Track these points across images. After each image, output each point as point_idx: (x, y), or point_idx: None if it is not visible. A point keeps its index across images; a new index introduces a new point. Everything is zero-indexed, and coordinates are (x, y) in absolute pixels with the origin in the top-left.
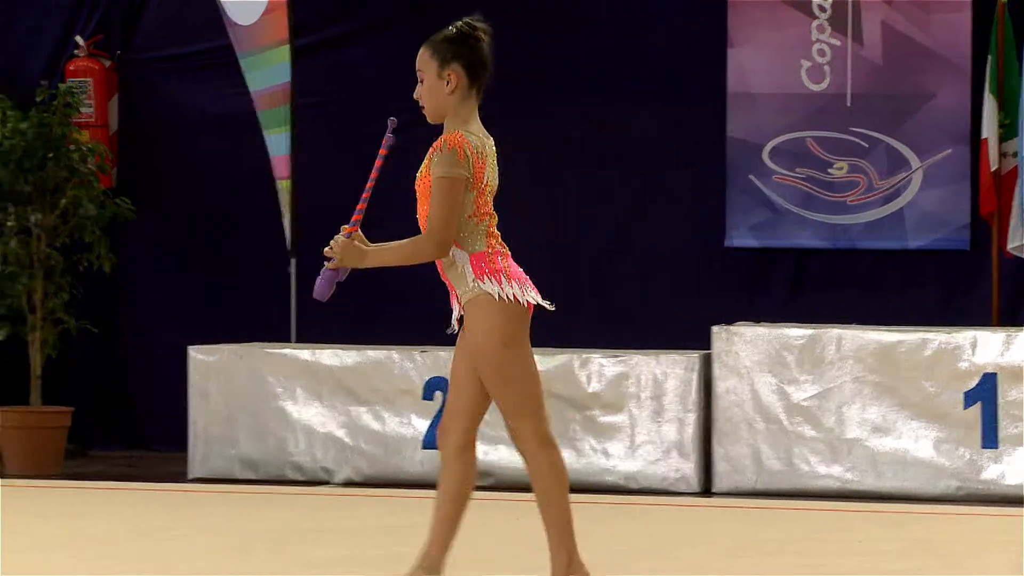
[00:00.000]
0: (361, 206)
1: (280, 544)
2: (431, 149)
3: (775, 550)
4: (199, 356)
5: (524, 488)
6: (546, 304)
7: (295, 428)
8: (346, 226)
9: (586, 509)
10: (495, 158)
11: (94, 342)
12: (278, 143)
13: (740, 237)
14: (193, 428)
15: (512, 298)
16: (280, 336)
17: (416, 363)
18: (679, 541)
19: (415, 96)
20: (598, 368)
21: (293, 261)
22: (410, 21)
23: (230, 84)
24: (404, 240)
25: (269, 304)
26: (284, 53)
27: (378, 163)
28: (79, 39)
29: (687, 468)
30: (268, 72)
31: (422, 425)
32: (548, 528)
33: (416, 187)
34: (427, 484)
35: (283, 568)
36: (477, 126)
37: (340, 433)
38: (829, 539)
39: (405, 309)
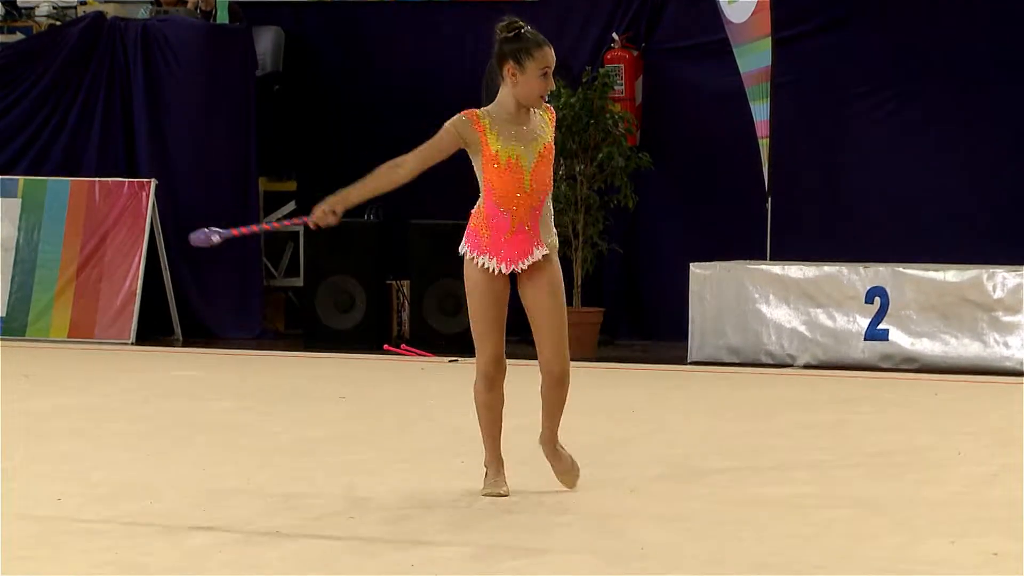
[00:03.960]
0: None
1: (756, 410)
2: (551, 119)
3: None
4: (698, 270)
5: (944, 371)
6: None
7: (768, 324)
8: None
9: (989, 388)
10: None
11: (619, 260)
12: (760, 111)
13: None
14: (692, 324)
15: None
16: (758, 255)
17: (860, 275)
18: None
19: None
20: (1001, 280)
21: (769, 199)
22: (866, 17)
23: (726, 68)
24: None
25: (750, 232)
26: (766, 44)
27: (275, 225)
28: (615, 35)
29: None
30: (754, 58)
31: (864, 322)
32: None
33: (540, 153)
34: (867, 368)
35: (751, 430)
36: None
37: (802, 328)
38: None
39: (852, 236)
